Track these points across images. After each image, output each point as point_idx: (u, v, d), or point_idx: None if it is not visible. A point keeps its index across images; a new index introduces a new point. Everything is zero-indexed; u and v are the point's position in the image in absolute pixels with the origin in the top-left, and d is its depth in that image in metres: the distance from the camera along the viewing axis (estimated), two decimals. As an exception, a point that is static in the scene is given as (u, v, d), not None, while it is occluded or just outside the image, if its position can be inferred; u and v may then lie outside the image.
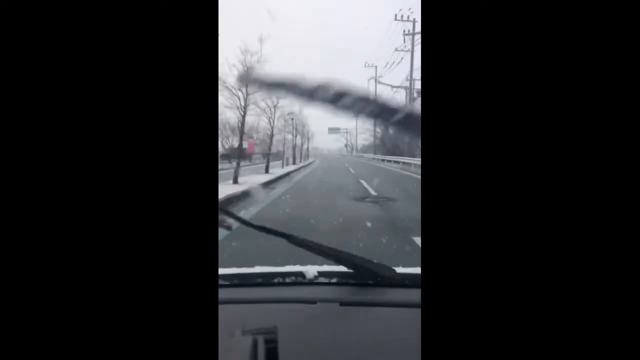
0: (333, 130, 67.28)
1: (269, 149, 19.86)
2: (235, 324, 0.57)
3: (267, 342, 0.56)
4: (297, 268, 1.15)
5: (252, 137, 35.24)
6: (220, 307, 0.53)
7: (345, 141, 79.36)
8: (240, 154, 14.33)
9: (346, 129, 75.41)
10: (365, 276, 1.08)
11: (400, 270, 1.11)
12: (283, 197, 9.75)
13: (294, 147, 29.74)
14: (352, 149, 76.23)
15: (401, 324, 0.89)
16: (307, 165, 28.96)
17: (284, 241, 1.01)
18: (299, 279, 1.12)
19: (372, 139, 51.26)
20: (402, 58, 35.34)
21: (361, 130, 61.36)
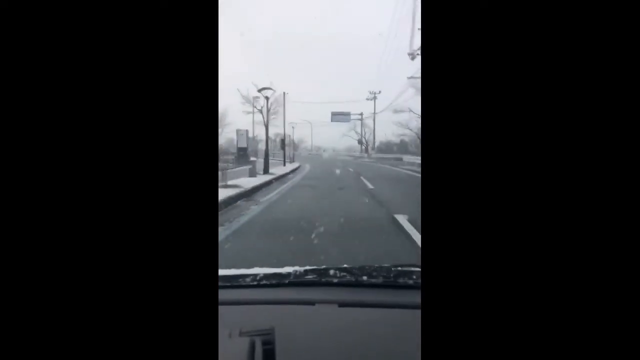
0: (339, 117, 43.14)
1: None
2: (233, 326, 0.57)
3: (264, 343, 0.56)
4: (295, 269, 1.15)
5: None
6: (219, 308, 0.53)
7: (358, 135, 52.00)
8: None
9: (360, 114, 48.09)
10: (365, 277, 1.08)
11: (398, 270, 1.10)
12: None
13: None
14: (367, 147, 48.91)
15: (400, 325, 0.89)
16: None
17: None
18: (297, 280, 1.12)
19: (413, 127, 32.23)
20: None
21: (389, 112, 37.30)
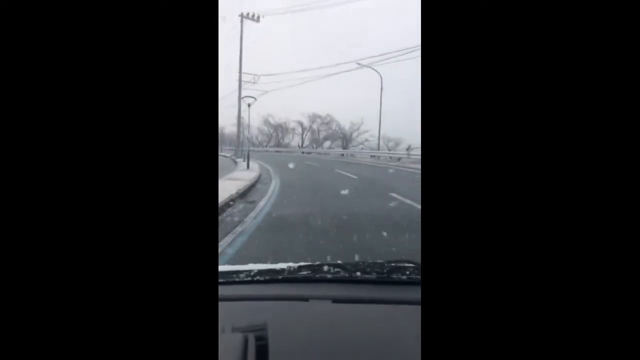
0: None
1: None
2: (226, 322, 0.57)
3: (257, 339, 0.56)
4: (289, 265, 1.15)
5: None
6: None
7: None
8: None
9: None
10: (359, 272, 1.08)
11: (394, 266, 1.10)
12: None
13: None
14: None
15: (395, 321, 0.89)
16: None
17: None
18: (291, 276, 1.12)
19: None
20: None
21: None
